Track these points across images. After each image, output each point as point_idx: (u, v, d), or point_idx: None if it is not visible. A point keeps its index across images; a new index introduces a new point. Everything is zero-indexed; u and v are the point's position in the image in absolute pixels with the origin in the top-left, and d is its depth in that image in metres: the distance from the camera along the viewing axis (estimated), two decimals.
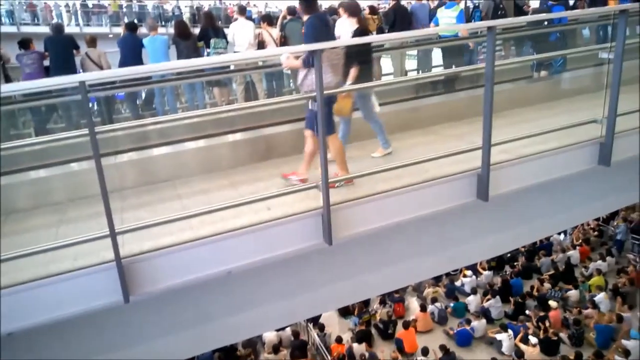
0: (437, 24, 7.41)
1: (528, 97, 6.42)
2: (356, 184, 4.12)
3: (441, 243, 4.52)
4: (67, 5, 26.22)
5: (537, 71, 7.04)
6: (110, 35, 22.68)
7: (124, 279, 3.12)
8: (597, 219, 14.21)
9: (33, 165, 4.51)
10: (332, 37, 4.39)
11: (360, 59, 4.73)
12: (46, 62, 7.74)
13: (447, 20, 7.20)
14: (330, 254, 3.86)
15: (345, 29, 7.17)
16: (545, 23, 6.59)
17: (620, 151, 4.54)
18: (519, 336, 9.96)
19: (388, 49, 7.29)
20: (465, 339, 10.61)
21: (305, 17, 4.43)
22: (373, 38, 6.68)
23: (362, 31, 5.09)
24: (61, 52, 7.67)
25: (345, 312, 11.61)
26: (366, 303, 11.57)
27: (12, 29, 24.13)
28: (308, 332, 11.04)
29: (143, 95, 7.37)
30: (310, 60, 3.78)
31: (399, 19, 8.58)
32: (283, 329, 10.54)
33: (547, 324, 10.42)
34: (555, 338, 10.20)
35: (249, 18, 9.17)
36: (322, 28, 4.29)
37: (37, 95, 4.82)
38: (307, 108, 4.23)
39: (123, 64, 7.51)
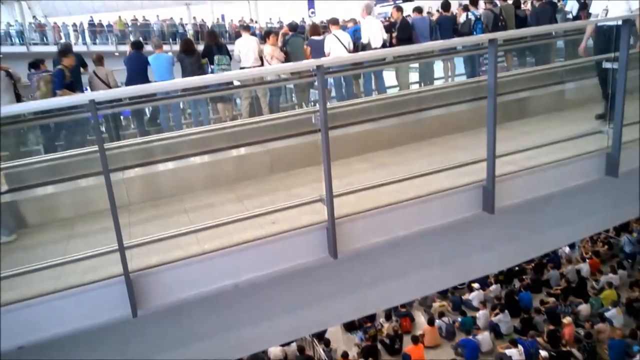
0: None
1: None
2: None
3: (447, 256, 4.48)
4: (74, 25, 26.80)
5: None
6: (117, 54, 23.01)
7: (132, 293, 3.13)
8: (607, 231, 13.99)
9: (42, 182, 4.54)
10: None
11: None
12: None
13: None
14: (335, 267, 3.85)
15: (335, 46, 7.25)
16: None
17: (629, 162, 4.50)
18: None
19: (390, 63, 7.34)
20: (472, 352, 10.46)
21: None
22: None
23: None
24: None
25: (350, 327, 11.52)
26: (372, 318, 11.46)
27: (22, 49, 24.75)
28: (314, 348, 10.95)
29: (148, 112, 7.45)
30: None
31: (400, 32, 8.69)
32: (288, 344, 10.46)
33: (561, 339, 10.27)
34: (565, 350, 10.03)
35: (253, 34, 9.29)
36: None
37: (47, 113, 4.87)
38: None
39: (130, 81, 7.62)
